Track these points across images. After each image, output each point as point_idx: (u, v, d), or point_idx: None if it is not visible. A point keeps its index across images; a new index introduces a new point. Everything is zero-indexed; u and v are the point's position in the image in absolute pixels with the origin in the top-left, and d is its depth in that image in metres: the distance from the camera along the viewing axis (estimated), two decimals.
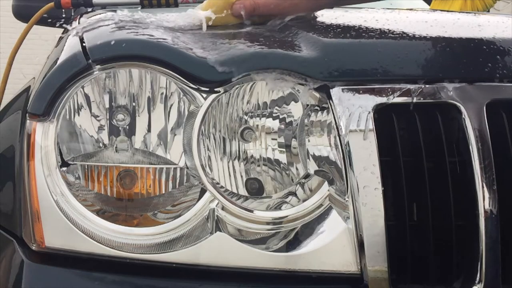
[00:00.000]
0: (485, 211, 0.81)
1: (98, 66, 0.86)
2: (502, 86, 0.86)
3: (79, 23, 1.05)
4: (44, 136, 0.86)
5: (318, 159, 0.86)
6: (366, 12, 1.17)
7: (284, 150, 0.87)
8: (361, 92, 0.85)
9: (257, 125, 0.87)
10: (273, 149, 0.87)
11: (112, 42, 0.87)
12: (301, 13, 1.07)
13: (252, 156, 0.87)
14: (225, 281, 0.84)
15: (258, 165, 0.87)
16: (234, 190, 0.87)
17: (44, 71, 0.92)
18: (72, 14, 1.90)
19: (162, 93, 0.86)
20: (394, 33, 0.96)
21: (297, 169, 0.87)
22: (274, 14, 1.06)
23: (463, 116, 0.84)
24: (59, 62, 0.89)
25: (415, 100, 0.85)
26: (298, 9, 1.06)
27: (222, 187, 0.86)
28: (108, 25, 0.97)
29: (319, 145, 0.86)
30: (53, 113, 0.86)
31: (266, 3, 1.04)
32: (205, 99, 0.85)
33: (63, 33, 1.34)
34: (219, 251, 0.84)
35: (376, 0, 1.16)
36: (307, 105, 0.87)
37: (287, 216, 0.85)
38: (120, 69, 0.86)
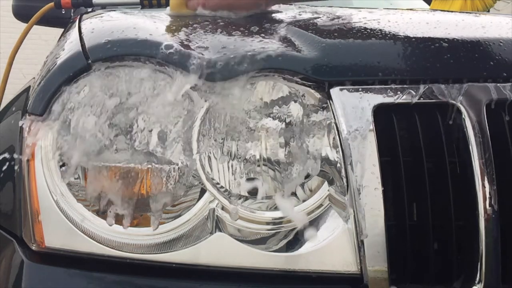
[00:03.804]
0: (485, 211, 0.81)
1: (98, 66, 0.86)
2: (502, 86, 0.86)
3: (79, 23, 1.05)
4: (44, 136, 0.86)
5: (318, 159, 0.86)
6: (367, 12, 1.17)
7: (284, 150, 0.87)
8: (361, 92, 0.85)
9: (257, 125, 0.87)
10: (273, 149, 0.87)
11: (112, 42, 0.87)
12: (249, 8, 1.08)
13: (252, 156, 0.87)
14: (225, 281, 0.84)
15: (258, 165, 0.87)
16: (234, 190, 0.87)
17: (44, 71, 0.92)
18: (72, 14, 1.90)
19: (162, 93, 0.86)
20: (395, 33, 0.95)
21: (297, 169, 0.87)
22: (222, 8, 1.08)
23: (463, 116, 0.84)
24: (59, 62, 0.89)
25: (415, 100, 0.85)
26: (244, 3, 1.08)
27: (222, 187, 0.86)
28: (108, 24, 0.97)
29: (319, 145, 0.86)
30: (53, 113, 0.86)
31: None
32: (205, 98, 0.85)
33: (63, 33, 1.34)
34: (219, 251, 0.84)
35: None
36: (307, 105, 0.87)
37: (287, 216, 0.85)
38: (120, 69, 0.86)
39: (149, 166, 0.85)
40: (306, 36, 0.93)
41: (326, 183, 0.85)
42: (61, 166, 0.86)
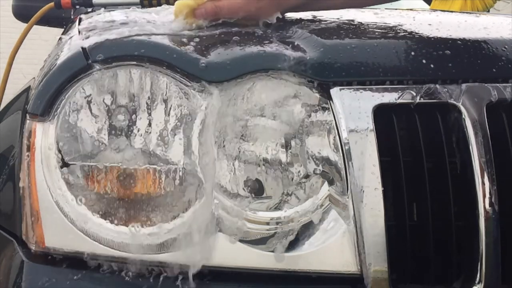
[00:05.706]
0: (485, 211, 0.81)
1: (98, 66, 0.86)
2: (502, 86, 0.86)
3: (79, 23, 1.05)
4: (44, 136, 0.86)
5: (318, 159, 0.86)
6: (368, 13, 1.17)
7: (284, 150, 0.87)
8: (361, 92, 0.85)
9: (257, 125, 0.87)
10: (273, 149, 0.87)
11: (112, 42, 0.87)
12: (268, 17, 1.02)
13: (252, 156, 0.87)
14: (225, 281, 0.84)
15: (258, 165, 0.87)
16: (234, 190, 0.87)
17: (44, 71, 0.92)
18: (72, 14, 1.90)
19: (162, 93, 0.86)
20: (396, 34, 0.96)
21: (297, 169, 0.87)
22: (240, 17, 1.01)
23: (463, 116, 0.84)
24: (59, 62, 0.89)
25: (415, 100, 0.85)
26: (265, 12, 1.02)
27: (222, 187, 0.86)
28: (108, 25, 0.97)
29: (319, 145, 0.86)
30: (53, 113, 0.86)
31: (230, 6, 1.00)
32: (205, 99, 0.85)
33: (63, 33, 1.34)
34: (219, 251, 0.84)
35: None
36: (308, 105, 0.87)
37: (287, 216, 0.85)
38: (120, 69, 0.86)
39: (149, 166, 0.85)
40: (306, 36, 0.93)
41: (326, 183, 0.85)
42: (61, 166, 0.86)
